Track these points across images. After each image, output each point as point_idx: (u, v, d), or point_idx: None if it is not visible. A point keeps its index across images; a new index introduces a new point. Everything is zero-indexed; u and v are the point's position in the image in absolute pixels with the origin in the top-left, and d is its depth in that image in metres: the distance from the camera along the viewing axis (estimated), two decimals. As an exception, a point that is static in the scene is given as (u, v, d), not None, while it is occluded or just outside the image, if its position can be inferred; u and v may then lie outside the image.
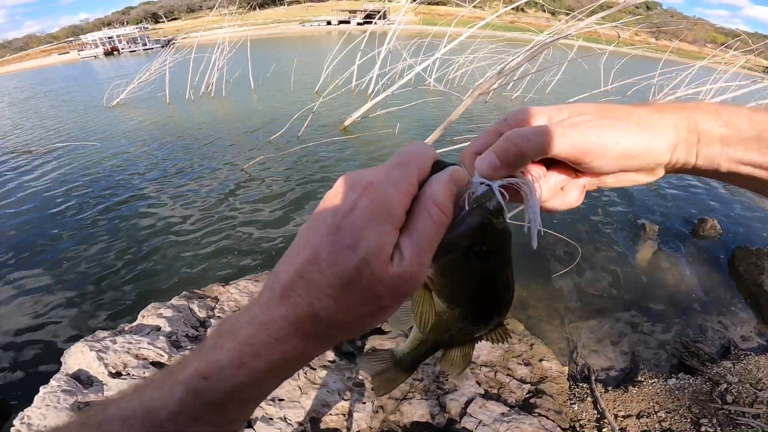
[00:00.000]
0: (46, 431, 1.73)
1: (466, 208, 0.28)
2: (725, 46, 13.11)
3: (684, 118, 0.32)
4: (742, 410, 2.29)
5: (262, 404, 2.07)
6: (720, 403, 2.35)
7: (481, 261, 0.30)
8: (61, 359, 2.25)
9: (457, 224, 0.28)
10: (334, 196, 0.29)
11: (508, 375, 2.53)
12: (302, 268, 0.27)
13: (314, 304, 0.27)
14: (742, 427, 2.18)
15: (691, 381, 2.54)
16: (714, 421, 2.24)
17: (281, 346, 0.27)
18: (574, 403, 2.39)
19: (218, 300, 3.04)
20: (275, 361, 0.27)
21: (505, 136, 0.30)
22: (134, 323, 2.62)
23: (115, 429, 0.27)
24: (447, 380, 2.44)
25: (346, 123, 8.23)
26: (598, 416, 2.31)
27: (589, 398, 2.43)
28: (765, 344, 3.21)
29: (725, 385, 2.46)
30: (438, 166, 0.29)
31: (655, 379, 2.56)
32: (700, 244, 4.61)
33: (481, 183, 0.29)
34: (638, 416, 2.32)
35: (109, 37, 50.21)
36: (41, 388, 2.01)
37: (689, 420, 2.26)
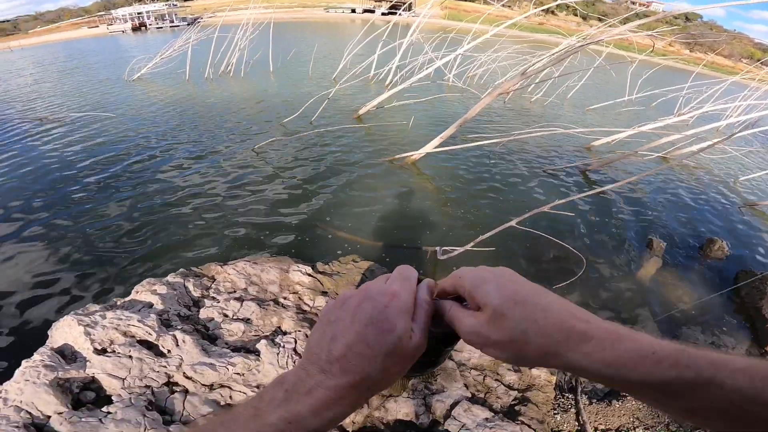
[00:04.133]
0: None
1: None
2: (761, 63, 12.64)
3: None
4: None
5: (247, 390, 2.06)
6: (698, 422, 2.31)
7: (440, 346, 0.47)
8: (48, 332, 2.22)
9: (437, 328, 0.45)
10: (364, 299, 0.42)
11: (496, 380, 2.48)
12: (353, 345, 0.39)
13: (367, 370, 0.39)
14: None
15: (672, 399, 2.48)
16: (690, 441, 2.20)
17: (344, 401, 0.39)
18: (558, 414, 2.35)
19: (215, 280, 3.04)
20: (339, 411, 0.39)
21: (445, 309, 0.45)
22: (127, 298, 2.62)
23: None
24: (436, 380, 2.40)
25: (361, 112, 8.17)
26: (579, 428, 2.27)
27: (572, 409, 2.39)
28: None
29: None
30: (419, 280, 0.47)
31: (639, 396, 2.51)
32: (706, 264, 4.48)
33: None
34: (617, 431, 2.28)
35: (138, 13, 50.61)
36: (23, 362, 1.98)
37: (666, 438, 2.22)
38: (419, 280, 0.47)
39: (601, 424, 2.32)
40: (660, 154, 7.09)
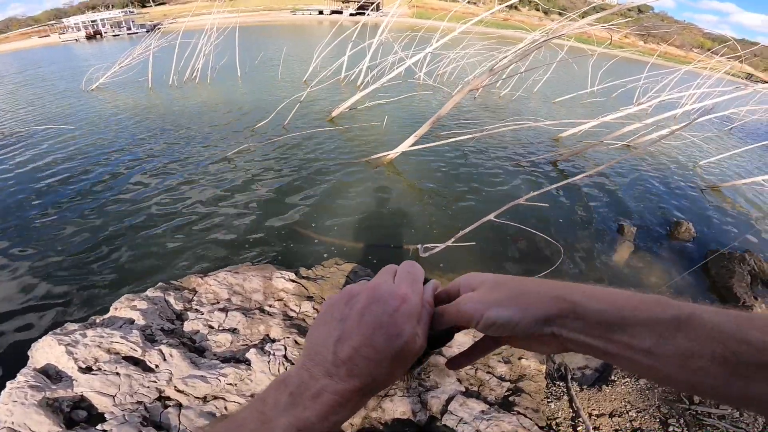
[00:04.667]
0: None
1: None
2: (711, 52, 13.38)
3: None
4: (708, 411, 2.35)
5: (241, 400, 2.03)
6: (687, 403, 2.40)
7: (427, 348, 0.45)
8: (28, 353, 2.15)
9: (440, 325, 0.45)
10: (373, 301, 0.42)
11: (488, 373, 2.53)
12: (360, 348, 0.39)
13: (373, 373, 0.39)
14: (708, 428, 2.24)
15: (660, 381, 2.57)
16: (681, 421, 2.28)
17: (349, 404, 0.39)
18: (551, 402, 2.40)
19: (196, 292, 2.96)
20: (344, 414, 0.40)
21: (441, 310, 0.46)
22: (106, 315, 2.53)
23: None
24: (429, 377, 2.42)
25: (334, 114, 8.13)
26: (574, 415, 2.33)
27: (565, 397, 2.45)
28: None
29: (692, 386, 2.50)
30: (425, 279, 0.47)
31: (627, 379, 2.60)
32: (675, 246, 4.70)
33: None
34: (611, 415, 2.35)
35: (92, 21, 48.45)
36: (8, 384, 1.93)
37: (658, 420, 2.29)
38: (426, 279, 0.48)
39: (594, 409, 2.38)
40: (624, 143, 7.40)
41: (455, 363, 0.51)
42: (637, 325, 0.34)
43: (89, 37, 45.75)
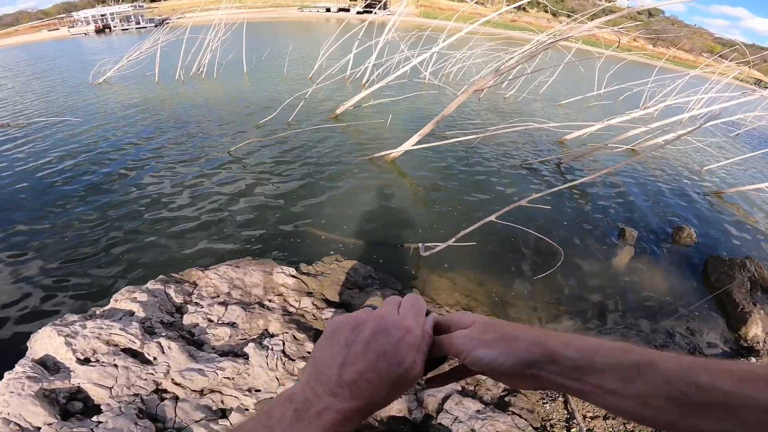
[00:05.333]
0: None
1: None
2: (720, 56, 13.26)
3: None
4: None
5: (238, 394, 2.04)
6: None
7: (433, 366, 0.50)
8: (27, 344, 2.16)
9: (434, 353, 0.49)
10: (379, 330, 0.45)
11: (484, 372, 2.53)
12: (364, 373, 0.42)
13: (374, 395, 0.43)
14: None
15: (655, 384, 2.58)
16: (674, 425, 2.30)
17: (350, 422, 0.42)
18: (546, 403, 2.41)
19: (197, 285, 2.98)
20: (345, 430, 0.42)
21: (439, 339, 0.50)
22: (107, 307, 2.54)
23: None
24: (426, 375, 2.43)
25: (338, 111, 8.14)
26: (568, 416, 2.34)
27: (560, 398, 2.46)
28: (729, 351, 3.32)
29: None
30: (427, 312, 0.51)
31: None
32: (676, 251, 4.68)
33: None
34: (605, 417, 2.36)
35: (102, 15, 48.68)
36: (6, 374, 1.94)
37: (651, 422, 2.31)
38: (427, 312, 0.52)
39: (588, 411, 2.39)
40: (629, 146, 7.36)
41: (433, 382, 0.55)
42: (605, 370, 0.39)
43: (98, 31, 45.94)
